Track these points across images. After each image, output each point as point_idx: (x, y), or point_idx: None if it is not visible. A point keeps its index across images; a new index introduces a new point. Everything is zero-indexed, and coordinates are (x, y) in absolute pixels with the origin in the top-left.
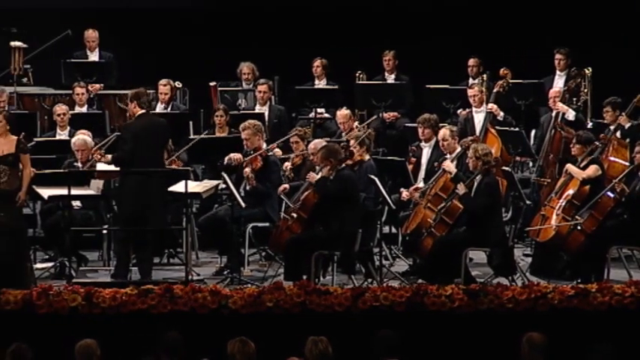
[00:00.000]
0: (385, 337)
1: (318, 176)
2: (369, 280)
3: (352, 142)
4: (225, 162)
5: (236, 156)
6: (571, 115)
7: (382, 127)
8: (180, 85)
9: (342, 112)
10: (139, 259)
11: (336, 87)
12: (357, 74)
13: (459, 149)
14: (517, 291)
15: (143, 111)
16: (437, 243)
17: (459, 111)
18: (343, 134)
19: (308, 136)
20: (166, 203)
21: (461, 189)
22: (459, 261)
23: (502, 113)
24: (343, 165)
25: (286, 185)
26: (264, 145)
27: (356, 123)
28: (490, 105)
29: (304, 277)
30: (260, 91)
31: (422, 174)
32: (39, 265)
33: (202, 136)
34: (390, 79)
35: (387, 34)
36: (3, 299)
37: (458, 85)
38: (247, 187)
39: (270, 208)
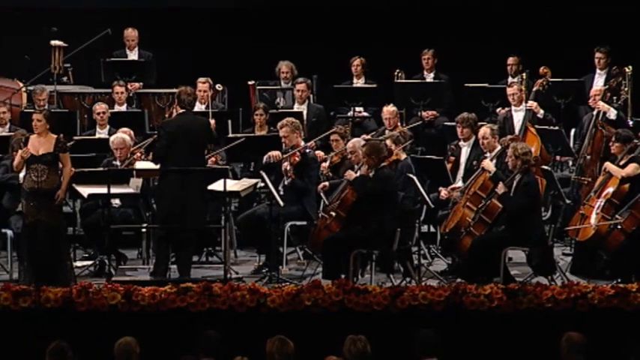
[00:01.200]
0: (424, 336)
1: (356, 174)
2: (408, 279)
3: (388, 141)
4: (264, 161)
5: (274, 153)
6: (612, 113)
7: (421, 126)
8: (221, 88)
9: (389, 109)
10: (177, 257)
11: (374, 86)
12: (396, 73)
13: (498, 148)
14: (556, 290)
15: (183, 110)
16: (476, 242)
17: (498, 110)
18: (387, 130)
19: (348, 135)
20: (206, 202)
21: (500, 188)
22: (497, 260)
23: (542, 111)
24: (382, 164)
25: (326, 183)
26: (303, 143)
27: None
28: (530, 102)
29: (343, 275)
30: (298, 90)
31: (461, 173)
32: (79, 263)
33: (244, 135)
34: (429, 77)
35: (426, 32)
36: (43, 297)
37: (497, 83)
38: (286, 182)
39: (308, 206)
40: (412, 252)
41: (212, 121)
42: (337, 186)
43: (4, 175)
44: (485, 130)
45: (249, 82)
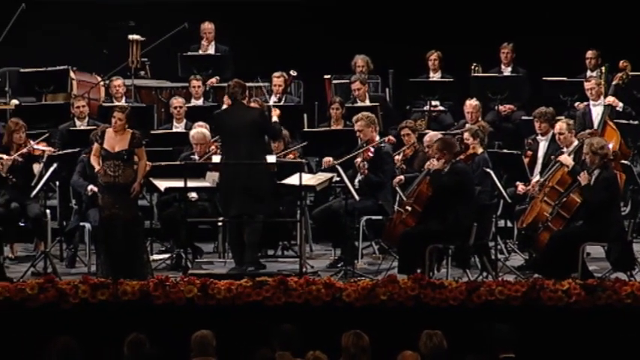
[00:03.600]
0: (500, 331)
1: (438, 164)
2: (484, 274)
3: (466, 134)
4: (322, 167)
5: (327, 159)
6: None
7: (498, 120)
8: (295, 74)
9: (471, 102)
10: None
11: (451, 79)
12: (473, 67)
13: (575, 143)
14: (636, 286)
15: (233, 101)
16: (553, 237)
17: (576, 104)
18: (468, 124)
19: (420, 129)
20: (278, 195)
21: (584, 179)
22: (575, 255)
23: (621, 104)
24: (457, 158)
25: (401, 177)
26: (377, 138)
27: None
28: (609, 98)
29: (418, 270)
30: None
31: (538, 167)
32: (155, 257)
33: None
34: (507, 71)
35: (504, 26)
36: (121, 290)
37: (576, 77)
38: (359, 178)
39: (384, 200)
40: (489, 247)
41: (277, 112)
42: (413, 180)
43: (79, 180)
44: (561, 125)
45: (325, 77)
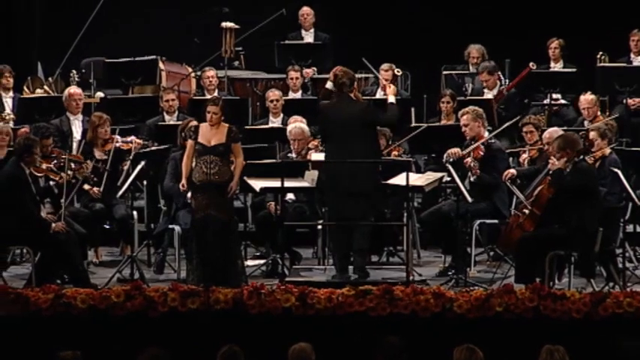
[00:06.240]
0: (629, 347)
1: (559, 163)
2: (611, 284)
3: (592, 134)
4: (444, 159)
5: (454, 150)
6: None
7: (626, 114)
8: (400, 73)
9: (587, 97)
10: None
11: (574, 70)
12: (599, 56)
13: None
14: None
15: (339, 93)
16: None
17: None
18: (586, 122)
19: (542, 125)
20: (383, 195)
21: None
22: None
23: None
24: (581, 157)
25: (513, 170)
26: (486, 134)
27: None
28: None
29: (537, 279)
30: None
31: None
32: (250, 262)
33: (428, 124)
34: (637, 61)
35: (634, 11)
36: (213, 298)
37: None
38: (472, 179)
39: (499, 202)
40: (616, 254)
41: (392, 89)
42: (529, 176)
43: (173, 184)
44: None
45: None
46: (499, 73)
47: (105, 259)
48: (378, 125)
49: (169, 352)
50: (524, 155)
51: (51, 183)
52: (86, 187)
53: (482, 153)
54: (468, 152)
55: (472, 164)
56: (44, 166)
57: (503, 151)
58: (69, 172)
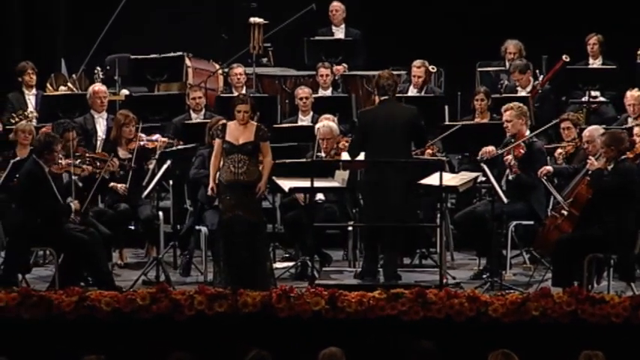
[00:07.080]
0: None
1: (599, 162)
2: None
3: (636, 129)
4: (479, 157)
5: (489, 149)
6: None
7: None
8: (435, 70)
9: (633, 94)
10: (383, 260)
11: (614, 67)
12: (639, 52)
13: None
14: None
15: (385, 97)
16: None
17: None
18: (630, 119)
19: (581, 123)
20: (416, 197)
21: None
22: None
23: None
24: (623, 156)
25: (549, 167)
26: (528, 132)
27: None
28: None
29: (576, 283)
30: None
31: None
32: (279, 265)
33: (462, 123)
34: None
35: None
36: (240, 301)
37: None
38: (510, 177)
39: (536, 203)
40: None
41: None
42: (567, 175)
43: (200, 170)
44: None
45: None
46: (534, 70)
47: (130, 261)
48: (421, 131)
49: (195, 357)
50: (560, 150)
51: (74, 177)
52: (112, 184)
53: (522, 152)
54: (508, 150)
55: (513, 162)
56: (64, 162)
57: (543, 152)
58: (95, 170)
